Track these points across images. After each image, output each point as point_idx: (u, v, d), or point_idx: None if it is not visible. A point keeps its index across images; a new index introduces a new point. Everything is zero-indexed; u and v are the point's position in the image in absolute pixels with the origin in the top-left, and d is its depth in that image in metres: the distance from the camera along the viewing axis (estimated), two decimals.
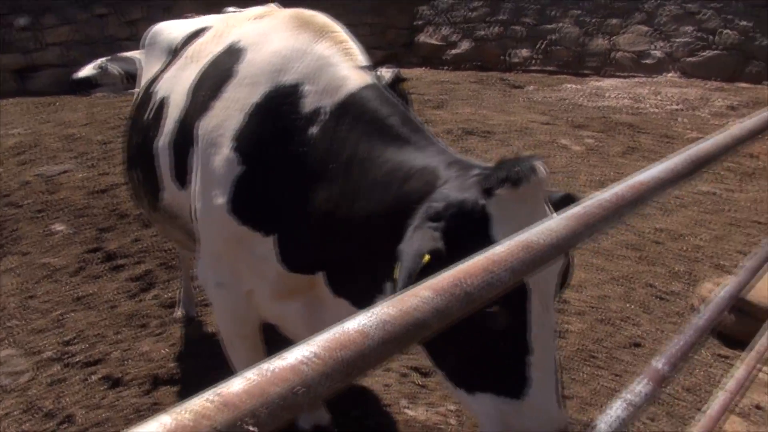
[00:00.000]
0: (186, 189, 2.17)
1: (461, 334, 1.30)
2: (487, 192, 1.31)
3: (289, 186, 1.83)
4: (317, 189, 1.76)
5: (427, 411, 2.94)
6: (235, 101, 1.92)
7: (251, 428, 0.52)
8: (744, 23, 9.74)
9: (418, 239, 1.28)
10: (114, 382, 3.16)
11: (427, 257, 1.23)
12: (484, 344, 1.35)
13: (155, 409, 3.02)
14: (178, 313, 3.82)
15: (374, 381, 3.14)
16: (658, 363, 1.48)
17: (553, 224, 0.89)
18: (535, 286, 1.31)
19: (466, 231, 1.30)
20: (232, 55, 2.06)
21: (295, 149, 1.81)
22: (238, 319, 2.17)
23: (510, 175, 1.28)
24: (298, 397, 0.56)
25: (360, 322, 0.64)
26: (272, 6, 2.37)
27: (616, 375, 3.14)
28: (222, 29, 2.33)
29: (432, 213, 1.34)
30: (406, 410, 2.95)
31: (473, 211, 1.30)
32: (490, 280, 0.76)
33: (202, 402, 0.52)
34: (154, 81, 2.62)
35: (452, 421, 2.86)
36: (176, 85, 2.33)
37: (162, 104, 2.36)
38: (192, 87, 2.17)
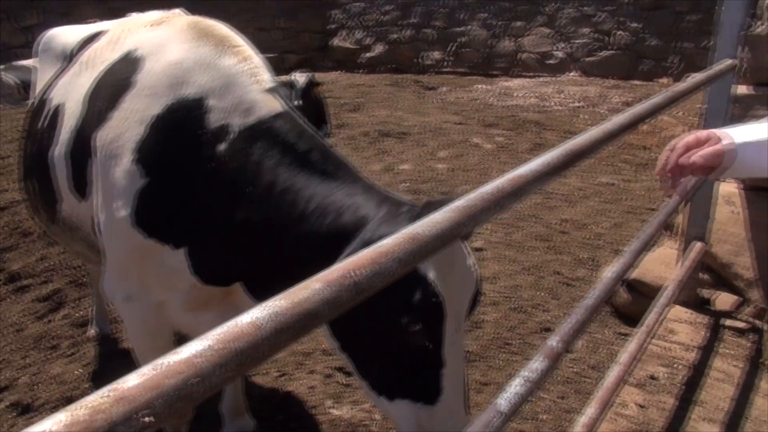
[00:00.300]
0: (86, 201, 2.11)
1: (384, 350, 1.53)
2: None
3: (198, 200, 1.82)
4: (233, 208, 1.77)
5: (352, 409, 3.00)
6: (134, 112, 1.89)
7: (147, 419, 0.55)
8: (635, 25, 10.44)
9: None
10: (24, 408, 3.02)
11: None
12: (404, 358, 1.52)
13: None
14: (92, 331, 3.68)
15: (299, 384, 3.17)
16: (552, 341, 1.60)
17: (437, 216, 0.96)
18: (450, 311, 1.48)
19: None
20: (129, 64, 2.01)
21: (203, 164, 1.80)
22: (150, 333, 2.13)
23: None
24: (193, 387, 0.59)
25: (253, 315, 0.68)
26: (173, 12, 2.35)
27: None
28: (118, 34, 2.26)
29: (366, 242, 1.45)
30: (332, 410, 2.99)
31: None
32: (378, 271, 0.82)
33: (97, 398, 0.55)
34: (48, 88, 2.51)
35: (377, 416, 2.93)
36: (71, 93, 2.25)
37: (57, 112, 2.27)
38: (88, 95, 2.11)
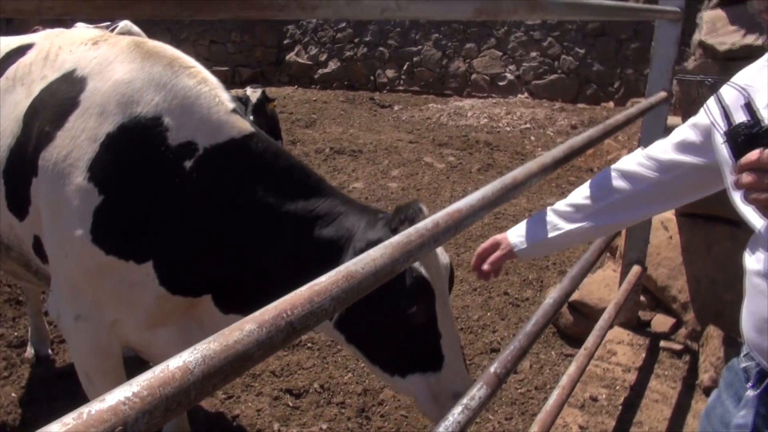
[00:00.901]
0: (25, 221, 2.06)
1: (389, 335, 1.77)
2: (394, 230, 1.66)
3: (165, 215, 1.84)
4: (206, 223, 1.84)
5: None
6: (82, 131, 1.87)
7: None
8: (580, 50, 10.83)
9: None
10: None
11: None
12: (406, 338, 1.76)
13: None
14: (29, 352, 3.54)
15: (246, 407, 3.12)
16: (493, 368, 1.64)
17: (374, 253, 0.98)
18: (438, 291, 1.75)
19: None
20: (71, 84, 1.98)
21: (167, 180, 1.82)
22: (100, 353, 2.07)
23: (407, 215, 1.68)
24: None
25: (183, 359, 0.68)
26: (108, 31, 2.30)
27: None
28: (51, 51, 2.20)
29: (357, 251, 1.68)
30: None
31: None
32: (313, 310, 0.84)
33: None
34: None
35: None
36: (2, 110, 2.17)
37: None
38: (25, 115, 2.06)
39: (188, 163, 1.82)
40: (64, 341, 3.72)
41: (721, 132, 1.07)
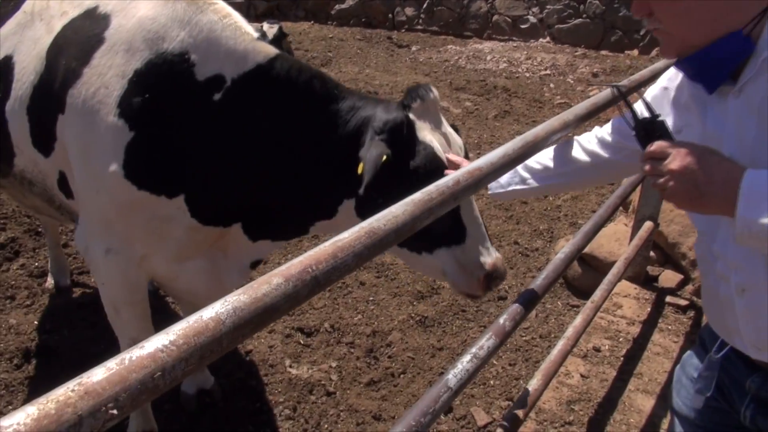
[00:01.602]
0: (50, 157, 2.10)
1: None
2: (407, 107, 1.85)
3: (195, 148, 1.90)
4: (238, 148, 1.91)
5: (310, 369, 3.09)
6: (110, 68, 1.89)
7: (112, 411, 0.59)
8: None
9: (375, 147, 1.78)
10: None
11: (385, 157, 1.73)
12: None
13: (28, 384, 2.93)
14: (49, 282, 3.66)
15: (258, 343, 3.23)
16: (502, 319, 1.69)
17: (395, 210, 1.00)
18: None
19: (401, 135, 1.82)
20: (94, 20, 1.98)
21: (197, 114, 1.88)
22: (129, 286, 2.15)
23: (418, 94, 1.86)
24: (157, 381, 0.64)
25: (215, 310, 0.72)
26: None
27: (483, 326, 3.44)
28: None
29: (377, 130, 1.83)
30: (290, 369, 3.08)
31: (402, 122, 1.83)
32: (336, 265, 0.87)
33: (65, 391, 0.58)
34: None
35: (334, 377, 3.03)
36: (22, 45, 2.18)
37: (7, 65, 2.20)
38: (48, 52, 2.06)
39: (217, 96, 1.87)
40: (84, 272, 3.83)
41: (631, 128, 1.25)
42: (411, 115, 1.85)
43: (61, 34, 2.06)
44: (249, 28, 1.99)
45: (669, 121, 1.35)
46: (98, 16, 2.00)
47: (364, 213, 1.91)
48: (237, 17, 1.99)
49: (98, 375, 0.61)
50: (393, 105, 1.90)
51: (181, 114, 1.89)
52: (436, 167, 1.79)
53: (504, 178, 1.83)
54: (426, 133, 1.84)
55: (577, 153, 1.69)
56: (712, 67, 1.17)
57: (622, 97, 1.38)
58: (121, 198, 1.93)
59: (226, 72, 1.88)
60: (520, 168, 1.80)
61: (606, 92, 1.86)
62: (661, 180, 1.12)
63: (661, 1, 1.15)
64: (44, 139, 2.09)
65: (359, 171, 1.77)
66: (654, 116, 1.21)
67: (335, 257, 0.87)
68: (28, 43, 2.16)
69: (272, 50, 1.94)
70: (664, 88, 1.41)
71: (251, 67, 1.88)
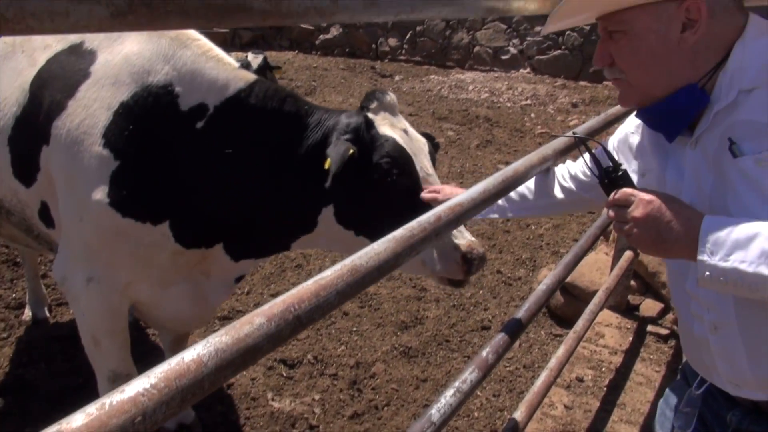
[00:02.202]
0: (32, 187, 2.11)
1: (383, 205, 1.95)
2: (365, 108, 2.01)
3: (178, 175, 1.95)
4: (220, 170, 1.97)
5: (292, 402, 3.05)
6: (95, 100, 1.94)
7: None
8: (585, 27, 10.72)
9: (339, 144, 1.90)
10: None
11: (351, 150, 1.86)
12: (399, 203, 1.94)
13: (3, 419, 2.85)
14: (27, 314, 3.59)
15: (240, 376, 3.19)
16: (485, 352, 1.69)
17: (377, 247, 1.01)
18: (415, 154, 1.98)
19: (361, 134, 1.96)
20: (80, 56, 2.03)
21: (180, 143, 1.94)
22: (111, 315, 2.14)
23: (375, 96, 2.03)
24: (137, 426, 0.63)
25: (197, 352, 0.72)
26: None
27: (467, 357, 3.44)
28: None
29: (341, 131, 1.95)
30: (272, 402, 3.04)
31: (362, 120, 1.98)
32: (319, 303, 0.87)
33: None
34: None
35: (317, 410, 3.00)
36: (3, 76, 2.20)
37: None
38: (32, 84, 2.09)
39: (200, 124, 1.94)
40: (61, 304, 3.77)
41: (595, 175, 1.29)
42: (369, 114, 1.99)
43: (46, 67, 2.08)
44: (230, 60, 2.07)
45: (633, 165, 1.41)
46: (84, 51, 2.04)
47: (342, 218, 2.00)
48: (218, 51, 2.07)
49: (78, 421, 0.60)
50: (353, 111, 2.04)
51: (166, 143, 1.93)
52: (399, 155, 1.92)
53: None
54: (386, 129, 1.97)
55: (554, 188, 1.75)
56: (671, 118, 1.22)
57: (583, 145, 1.42)
58: (105, 226, 1.95)
59: (209, 101, 1.95)
60: (500, 200, 1.84)
61: (583, 126, 1.91)
62: (626, 227, 1.16)
63: (623, 52, 1.20)
64: (26, 170, 2.10)
65: (326, 166, 1.87)
66: (617, 165, 1.24)
67: (318, 295, 0.87)
68: (10, 74, 2.17)
69: (252, 76, 2.03)
70: (629, 132, 1.47)
71: (232, 93, 1.97)
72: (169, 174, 1.95)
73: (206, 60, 1.99)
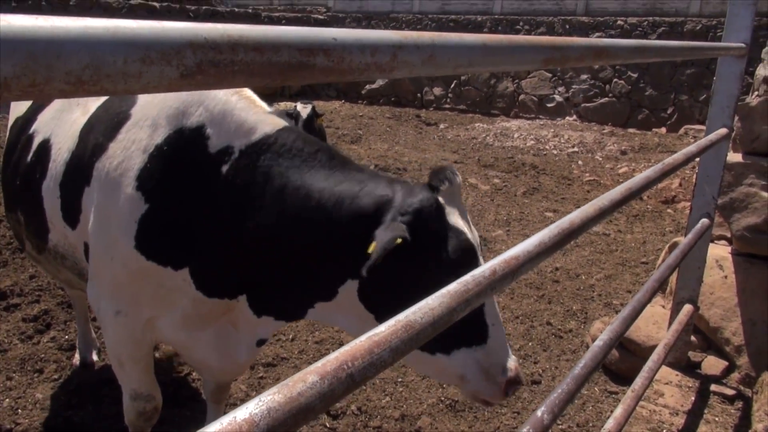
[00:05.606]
0: (76, 229, 2.20)
1: None
2: (436, 189, 1.77)
3: (201, 221, 1.93)
4: (241, 221, 1.90)
5: None
6: (133, 142, 1.99)
7: None
8: (633, 74, 10.63)
9: (392, 229, 1.68)
10: None
11: (400, 240, 1.63)
12: None
13: None
14: (76, 359, 3.65)
15: None
16: (540, 412, 1.61)
17: (432, 302, 0.98)
18: (479, 251, 1.79)
19: (428, 219, 1.73)
20: (123, 99, 2.12)
21: (205, 187, 1.91)
22: (134, 344, 2.21)
23: (446, 176, 1.78)
24: None
25: (249, 411, 0.70)
26: None
27: (516, 413, 3.30)
28: None
29: (401, 211, 1.72)
30: None
31: (431, 204, 1.75)
32: (373, 361, 0.84)
33: None
34: (28, 123, 2.59)
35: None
36: (59, 128, 2.34)
37: (45, 147, 2.36)
38: (82, 131, 2.20)
39: (225, 168, 1.90)
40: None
41: None
42: (441, 198, 1.78)
43: (95, 113, 2.21)
44: (262, 103, 2.05)
45: None
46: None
47: (367, 297, 1.79)
48: (250, 93, 2.06)
49: None
50: (417, 186, 1.80)
51: (191, 187, 1.94)
52: (469, 257, 1.70)
53: None
54: (457, 219, 1.76)
55: None
56: None
57: None
58: (131, 266, 1.99)
59: (234, 143, 1.90)
60: None
61: (640, 177, 1.85)
62: None
63: None
64: (72, 212, 2.19)
65: (369, 250, 1.66)
66: None
67: (371, 353, 0.84)
68: (65, 126, 2.32)
69: (281, 122, 1.96)
70: None
71: (258, 137, 1.90)
72: (191, 220, 1.94)
73: (237, 100, 1.97)
